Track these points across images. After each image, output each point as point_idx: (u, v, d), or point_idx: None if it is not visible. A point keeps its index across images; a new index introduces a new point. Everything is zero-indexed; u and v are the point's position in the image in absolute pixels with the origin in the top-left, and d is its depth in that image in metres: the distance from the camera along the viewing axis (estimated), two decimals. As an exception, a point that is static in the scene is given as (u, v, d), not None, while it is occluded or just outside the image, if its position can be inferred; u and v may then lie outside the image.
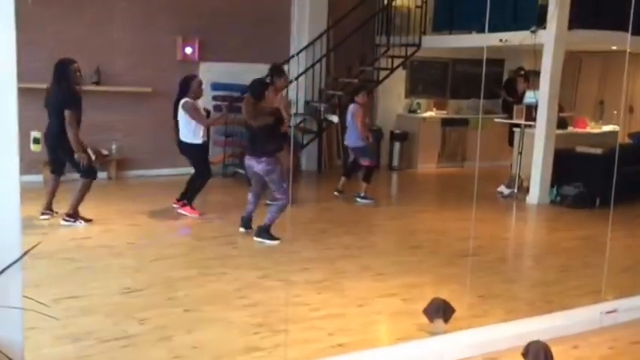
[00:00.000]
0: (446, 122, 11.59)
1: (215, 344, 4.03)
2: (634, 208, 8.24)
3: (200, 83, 7.34)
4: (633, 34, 8.82)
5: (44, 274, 5.03)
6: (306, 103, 10.50)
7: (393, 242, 6.81)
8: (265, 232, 6.24)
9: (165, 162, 8.26)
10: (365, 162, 8.36)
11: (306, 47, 10.15)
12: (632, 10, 4.71)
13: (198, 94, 7.28)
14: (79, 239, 6.17)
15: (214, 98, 9.82)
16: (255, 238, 6.27)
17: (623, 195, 5.26)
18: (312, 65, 9.98)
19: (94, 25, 9.08)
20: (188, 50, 9.68)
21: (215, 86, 9.83)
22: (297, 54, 10.14)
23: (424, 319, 4.35)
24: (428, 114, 11.56)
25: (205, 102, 9.74)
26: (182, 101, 7.12)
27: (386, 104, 11.51)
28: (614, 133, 10.13)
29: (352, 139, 8.35)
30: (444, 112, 11.78)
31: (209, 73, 9.80)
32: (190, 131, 7.15)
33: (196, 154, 7.28)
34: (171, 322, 4.37)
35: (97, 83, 9.11)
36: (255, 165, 6.26)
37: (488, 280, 5.39)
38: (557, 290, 5.35)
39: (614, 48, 11.00)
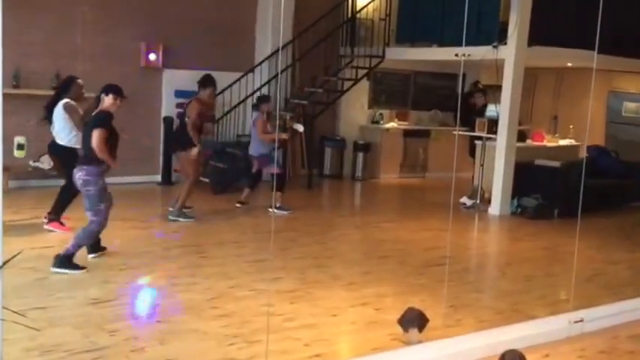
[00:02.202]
0: (408, 133, 11.73)
1: (190, 356, 3.96)
2: (592, 219, 8.47)
3: (81, 86, 6.85)
4: (589, 50, 9.09)
5: (6, 284, 4.83)
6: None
7: (362, 252, 6.83)
8: (66, 261, 5.35)
9: (127, 170, 8.09)
10: (272, 169, 7.94)
11: (269, 57, 10.13)
12: (598, 28, 4.85)
13: (78, 96, 6.79)
14: (39, 248, 5.96)
15: (178, 106, 9.69)
16: (52, 269, 5.30)
17: (582, 206, 5.43)
18: (276, 75, 9.97)
19: (55, 29, 8.87)
20: (152, 56, 9.53)
21: (178, 93, 9.70)
22: (261, 63, 10.14)
23: (398, 329, 4.36)
24: (390, 125, 11.68)
25: (169, 109, 9.66)
26: (63, 102, 6.64)
27: (349, 115, 11.58)
28: (569, 147, 10.41)
29: (254, 147, 8.18)
30: (406, 123, 11.93)
31: (173, 79, 9.70)
32: (66, 134, 6.64)
33: (68, 157, 6.51)
34: (142, 333, 4.27)
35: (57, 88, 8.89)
36: (75, 173, 5.49)
37: (457, 289, 5.45)
38: (524, 300, 5.46)
39: (569, 65, 11.36)
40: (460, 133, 9.76)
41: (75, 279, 5.22)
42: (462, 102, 11.63)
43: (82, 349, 3.91)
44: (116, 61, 9.27)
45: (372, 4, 10.86)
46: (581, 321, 4.82)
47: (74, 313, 4.48)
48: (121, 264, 5.65)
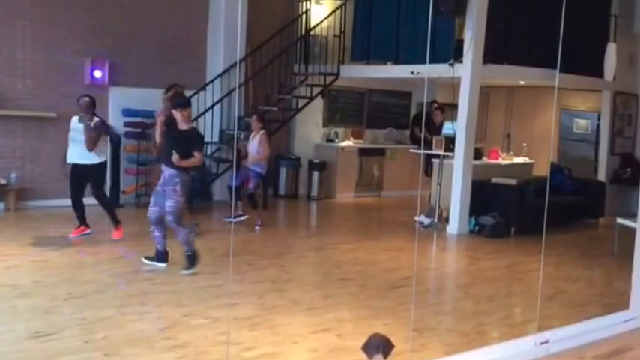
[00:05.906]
0: (363, 152, 11.62)
1: (142, 392, 3.67)
2: (547, 237, 8.44)
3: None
4: (541, 68, 9.17)
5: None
6: (222, 131, 10.21)
7: (321, 275, 6.59)
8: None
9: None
10: None
11: (221, 74, 9.90)
12: (560, 46, 4.79)
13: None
14: (-23, 277, 5.58)
15: (126, 125, 9.36)
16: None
17: (538, 224, 5.37)
18: (228, 93, 9.73)
19: (-7, 44, 8.47)
20: (97, 73, 9.15)
21: (126, 112, 9.36)
22: (213, 80, 9.89)
23: (362, 356, 4.15)
24: (345, 143, 11.56)
25: (117, 129, 9.28)
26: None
27: (304, 133, 11.42)
28: (523, 165, 10.49)
29: None
30: (361, 141, 11.83)
31: (120, 98, 9.35)
32: None
33: None
34: (89, 368, 3.95)
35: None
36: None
37: (420, 312, 5.28)
38: (488, 321, 5.35)
39: (521, 82, 11.49)
40: (419, 151, 9.72)
41: (15, 310, 4.85)
42: (421, 120, 11.59)
43: (23, 388, 3.58)
44: (59, 77, 8.91)
45: (325, 21, 10.76)
46: (547, 342, 4.72)
47: (15, 348, 4.13)
48: (65, 293, 5.29)
